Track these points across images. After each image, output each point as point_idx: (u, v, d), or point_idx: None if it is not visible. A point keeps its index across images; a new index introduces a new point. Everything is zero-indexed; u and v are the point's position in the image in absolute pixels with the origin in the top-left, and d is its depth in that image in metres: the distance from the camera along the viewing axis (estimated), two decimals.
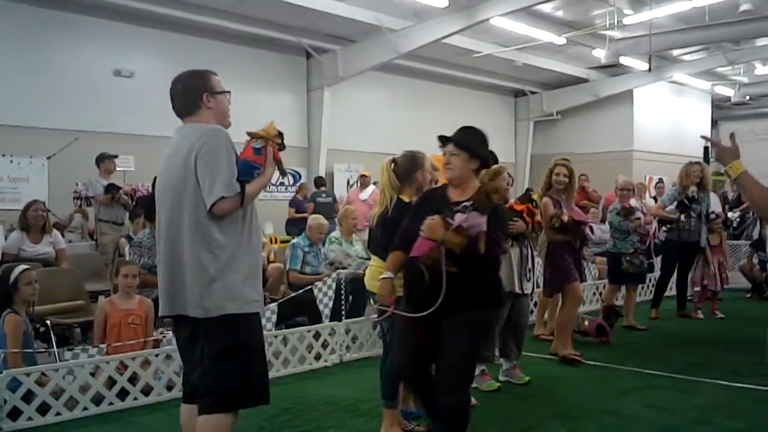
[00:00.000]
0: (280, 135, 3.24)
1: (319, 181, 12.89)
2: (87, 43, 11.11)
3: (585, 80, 18.21)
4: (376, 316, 3.71)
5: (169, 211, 3.16)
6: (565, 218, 5.81)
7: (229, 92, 3.29)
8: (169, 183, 3.16)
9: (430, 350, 3.52)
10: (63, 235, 7.77)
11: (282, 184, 13.65)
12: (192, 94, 3.22)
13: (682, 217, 7.78)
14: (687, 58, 17.67)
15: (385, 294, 3.64)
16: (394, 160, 4.35)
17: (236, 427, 3.14)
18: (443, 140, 3.77)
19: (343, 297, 6.47)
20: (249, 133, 3.22)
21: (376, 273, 4.28)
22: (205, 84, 3.23)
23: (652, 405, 4.86)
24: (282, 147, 3.26)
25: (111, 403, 4.88)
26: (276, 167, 3.26)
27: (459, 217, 3.48)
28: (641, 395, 5.10)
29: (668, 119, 19.71)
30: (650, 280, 8.79)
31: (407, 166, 4.31)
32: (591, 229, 6.15)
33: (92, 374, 4.89)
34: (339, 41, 13.90)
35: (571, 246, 6.00)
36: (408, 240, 3.58)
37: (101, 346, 5.28)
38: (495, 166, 5.47)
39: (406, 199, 4.22)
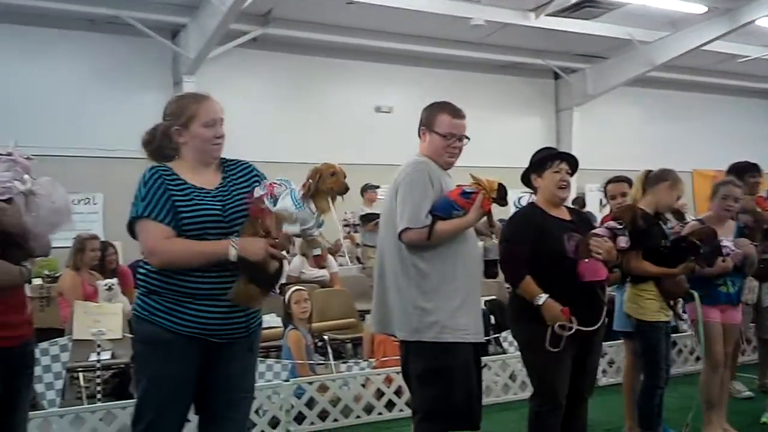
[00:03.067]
0: (501, 191, 3.20)
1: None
2: (351, 84, 12.21)
3: None
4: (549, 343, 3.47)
5: (381, 237, 3.40)
6: None
7: (446, 136, 3.34)
8: (384, 210, 3.41)
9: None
10: (335, 260, 8.62)
11: None
12: (420, 123, 3.43)
13: None
14: None
15: (557, 311, 3.42)
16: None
17: None
18: (563, 157, 3.72)
19: None
20: (472, 176, 3.27)
21: (632, 295, 4.25)
22: (429, 119, 3.39)
23: None
24: (501, 203, 3.22)
25: (380, 413, 5.32)
26: (483, 216, 3.23)
27: (622, 239, 3.62)
28: None
29: None
30: None
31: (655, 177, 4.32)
32: None
33: (363, 386, 5.37)
34: (588, 59, 13.68)
35: None
36: (527, 265, 3.51)
37: (370, 360, 5.80)
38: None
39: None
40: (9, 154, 2.43)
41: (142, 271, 2.67)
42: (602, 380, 5.99)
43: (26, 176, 2.42)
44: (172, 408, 2.61)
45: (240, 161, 2.86)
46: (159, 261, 2.55)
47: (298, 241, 7.79)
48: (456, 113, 3.39)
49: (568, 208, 3.84)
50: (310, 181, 2.64)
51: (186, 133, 2.69)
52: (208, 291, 2.59)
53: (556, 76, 14.20)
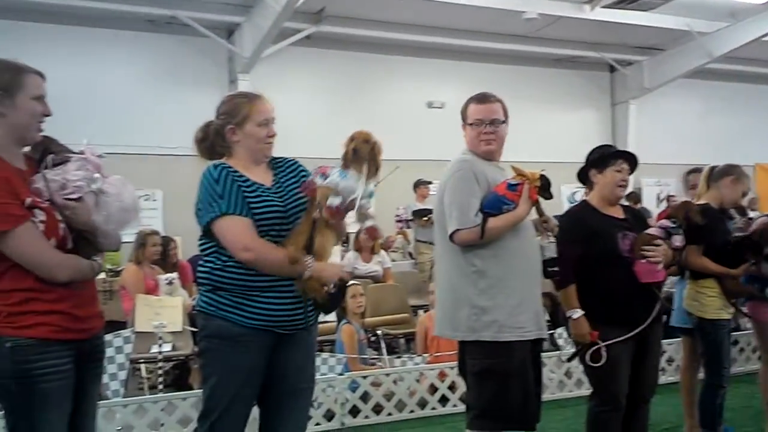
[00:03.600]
0: (543, 181, 3.18)
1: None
2: (404, 80, 12.22)
3: None
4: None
5: (435, 238, 3.41)
6: None
7: (473, 124, 3.32)
8: (435, 212, 3.42)
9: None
10: (387, 255, 8.66)
11: None
12: (461, 117, 3.42)
13: None
14: None
15: (585, 332, 3.46)
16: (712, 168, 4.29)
17: None
18: (626, 156, 3.67)
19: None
20: (513, 168, 3.25)
21: (693, 292, 4.16)
22: (463, 113, 3.40)
23: None
24: (546, 196, 3.21)
25: (433, 408, 5.33)
26: (533, 207, 3.22)
27: (677, 238, 3.58)
28: None
29: None
30: None
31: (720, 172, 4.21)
32: None
33: (417, 380, 5.41)
34: (645, 51, 13.41)
35: None
36: (575, 270, 3.47)
37: (424, 355, 5.83)
38: None
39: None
40: (81, 153, 2.51)
41: (205, 268, 2.73)
42: (661, 378, 5.84)
43: (97, 175, 2.49)
44: (242, 400, 2.69)
45: (286, 158, 2.94)
46: (253, 257, 2.61)
47: (351, 238, 7.72)
48: (480, 99, 3.37)
49: (621, 205, 3.79)
50: (347, 148, 2.73)
51: (240, 132, 2.76)
52: (274, 284, 2.67)
53: (612, 69, 13.96)
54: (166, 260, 6.85)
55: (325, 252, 2.75)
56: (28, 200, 2.33)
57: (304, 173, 2.87)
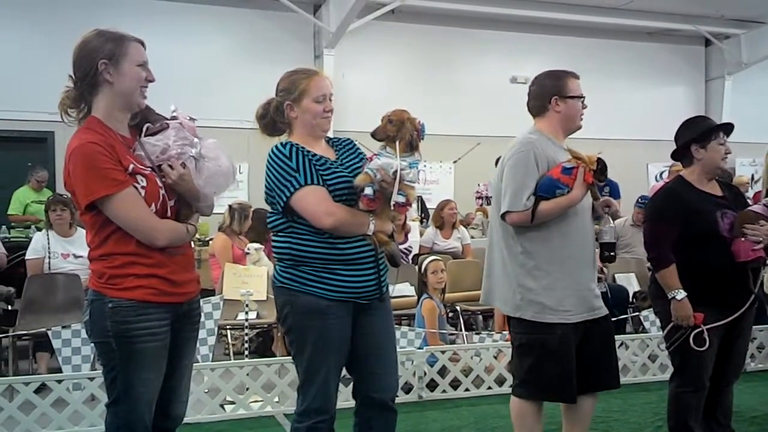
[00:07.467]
0: (600, 165, 3.11)
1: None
2: (487, 55, 12.06)
3: None
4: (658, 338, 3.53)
5: (491, 212, 3.42)
6: None
7: (582, 98, 3.27)
8: (493, 188, 3.38)
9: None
10: (467, 231, 8.62)
11: None
12: (542, 95, 3.28)
13: None
14: None
15: (689, 315, 3.38)
16: None
17: None
18: (725, 129, 3.53)
19: None
20: (570, 151, 3.19)
21: None
22: (558, 86, 3.26)
23: None
24: (600, 178, 3.14)
25: (511, 386, 5.32)
26: (588, 191, 3.16)
27: None
28: None
29: None
30: None
31: None
32: None
33: (495, 357, 5.41)
34: (743, 24, 12.75)
35: None
36: (673, 249, 3.39)
37: (503, 332, 5.80)
38: None
39: None
40: (174, 118, 2.57)
41: (284, 244, 2.78)
42: (750, 366, 5.69)
43: (195, 139, 2.56)
44: (337, 367, 2.79)
45: (341, 138, 3.01)
46: (333, 221, 2.68)
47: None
48: (575, 74, 3.33)
49: (719, 182, 3.66)
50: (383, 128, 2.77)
51: (297, 108, 2.84)
52: (352, 257, 2.74)
53: (707, 43, 13.37)
54: (268, 234, 6.97)
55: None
56: (131, 166, 2.44)
57: (361, 152, 2.95)
